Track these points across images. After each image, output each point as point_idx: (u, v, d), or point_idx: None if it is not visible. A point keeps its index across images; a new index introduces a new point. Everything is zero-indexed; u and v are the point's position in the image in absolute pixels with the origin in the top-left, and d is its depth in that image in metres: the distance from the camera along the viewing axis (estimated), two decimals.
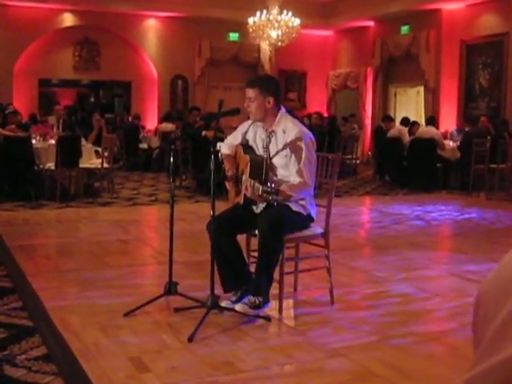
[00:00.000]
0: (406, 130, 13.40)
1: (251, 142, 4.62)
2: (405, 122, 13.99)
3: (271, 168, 4.41)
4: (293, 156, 4.32)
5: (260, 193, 4.02)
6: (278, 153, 4.40)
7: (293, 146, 4.32)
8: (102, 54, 17.90)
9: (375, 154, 14.62)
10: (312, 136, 4.51)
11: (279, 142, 4.40)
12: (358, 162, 15.80)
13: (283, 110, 4.54)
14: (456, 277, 5.71)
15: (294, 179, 4.28)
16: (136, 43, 18.12)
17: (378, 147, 14.20)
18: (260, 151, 4.53)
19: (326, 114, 18.02)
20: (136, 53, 18.22)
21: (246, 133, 4.66)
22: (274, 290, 4.45)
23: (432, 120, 13.30)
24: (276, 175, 4.41)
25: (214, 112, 4.63)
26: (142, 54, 18.29)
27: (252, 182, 4.12)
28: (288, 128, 4.40)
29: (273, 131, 4.45)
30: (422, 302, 4.92)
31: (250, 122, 4.68)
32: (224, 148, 4.72)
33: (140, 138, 15.76)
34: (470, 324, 3.82)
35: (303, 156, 4.31)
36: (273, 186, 4.06)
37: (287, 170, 4.35)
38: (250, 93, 4.43)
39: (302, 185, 4.29)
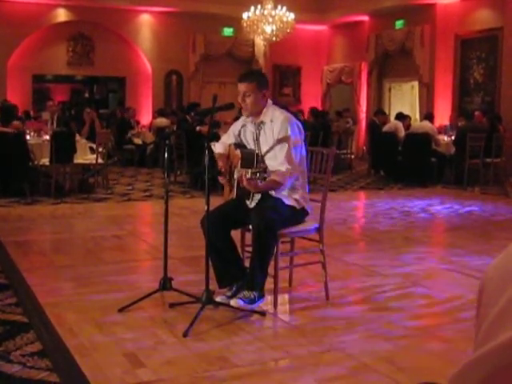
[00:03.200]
0: (401, 124, 13.41)
1: (242, 139, 4.64)
2: (400, 117, 13.99)
3: (262, 160, 4.41)
4: (279, 144, 4.33)
5: (250, 176, 4.02)
6: (267, 144, 4.41)
7: (279, 134, 4.33)
8: (96, 49, 17.84)
9: (370, 149, 14.63)
10: (298, 122, 4.53)
11: (268, 132, 4.42)
12: (352, 156, 15.80)
13: (270, 101, 4.56)
14: (451, 271, 5.73)
15: (282, 167, 4.29)
16: (130, 38, 18.08)
17: (373, 142, 14.21)
18: (251, 145, 4.54)
19: (320, 109, 17.99)
20: (130, 48, 18.18)
21: (238, 132, 4.68)
22: (268, 284, 4.45)
23: (429, 116, 13.30)
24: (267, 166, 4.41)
25: (208, 107, 4.63)
26: (136, 50, 18.24)
27: (244, 171, 4.12)
28: (275, 116, 4.43)
29: (262, 122, 4.47)
30: (417, 297, 4.93)
31: (241, 121, 4.70)
32: (217, 147, 4.74)
33: (133, 133, 15.65)
34: (465, 318, 3.84)
35: (290, 143, 4.32)
36: (261, 165, 4.11)
37: (277, 160, 4.35)
38: (246, 87, 4.42)
39: (290, 170, 4.30)
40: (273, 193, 4.39)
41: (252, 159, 4.33)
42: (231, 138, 4.73)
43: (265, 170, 4.10)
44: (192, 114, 12.69)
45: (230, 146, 4.65)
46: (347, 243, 7.06)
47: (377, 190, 11.97)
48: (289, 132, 4.34)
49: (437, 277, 5.64)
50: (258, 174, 4.02)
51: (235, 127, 4.75)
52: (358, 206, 10.64)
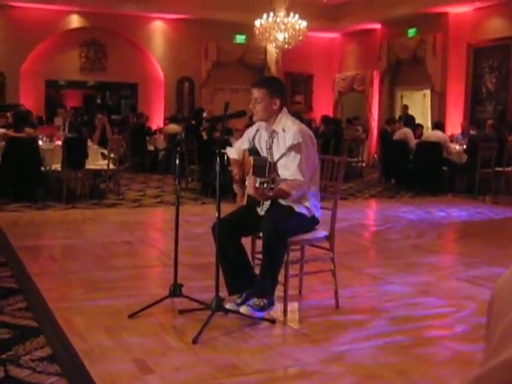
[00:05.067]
0: (411, 132, 13.38)
1: (256, 145, 4.64)
2: (408, 121, 13.91)
3: (274, 169, 4.41)
4: (291, 153, 4.32)
5: (258, 185, 4.02)
6: (280, 154, 4.40)
7: (291, 144, 4.32)
8: (108, 55, 17.93)
9: (381, 157, 14.60)
10: (311, 133, 4.53)
11: (280, 142, 4.42)
12: (363, 164, 15.78)
13: (285, 109, 4.55)
14: (461, 281, 5.70)
15: (293, 177, 4.29)
16: (143, 45, 18.15)
17: (384, 150, 14.17)
18: (264, 153, 4.54)
19: (332, 116, 17.98)
20: (142, 54, 18.25)
21: (253, 138, 4.68)
22: (278, 292, 4.45)
23: (439, 125, 13.25)
24: (279, 175, 4.41)
25: (220, 114, 4.64)
26: (148, 56, 18.31)
27: (253, 178, 4.13)
28: (287, 126, 4.42)
29: (274, 131, 4.47)
30: (426, 306, 4.91)
31: (255, 126, 4.70)
32: (232, 153, 4.75)
33: (147, 139, 15.70)
34: (474, 328, 3.82)
35: (302, 154, 4.31)
36: (270, 176, 4.11)
37: (289, 170, 4.35)
38: (257, 93, 4.43)
39: (300, 183, 4.29)
40: (283, 201, 4.39)
41: (263, 168, 4.31)
42: (245, 143, 4.73)
43: (273, 180, 4.10)
44: (203, 120, 12.73)
45: (244, 151, 4.65)
46: (358, 251, 7.05)
47: (387, 198, 11.94)
48: (301, 143, 4.32)
49: (448, 286, 5.62)
50: (265, 185, 4.02)
51: (250, 132, 4.76)
52: (369, 215, 10.62)
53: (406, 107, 17.20)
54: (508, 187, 12.34)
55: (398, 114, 17.64)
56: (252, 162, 4.39)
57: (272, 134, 4.49)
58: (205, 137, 11.82)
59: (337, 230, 4.86)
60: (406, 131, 13.43)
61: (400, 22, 16.84)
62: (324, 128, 15.08)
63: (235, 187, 4.65)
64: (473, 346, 3.93)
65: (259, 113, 4.46)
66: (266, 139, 4.55)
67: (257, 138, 4.66)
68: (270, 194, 4.13)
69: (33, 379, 3.29)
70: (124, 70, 17.94)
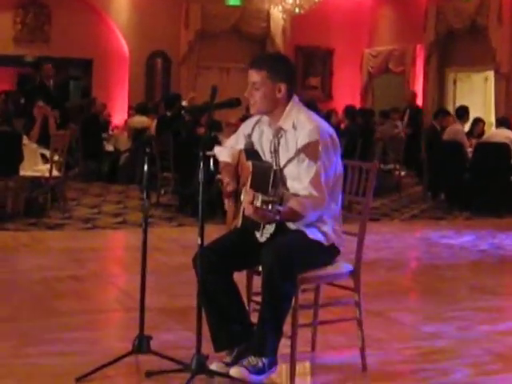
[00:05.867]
0: (463, 130, 13.37)
1: (256, 146, 4.62)
2: (461, 113, 13.90)
3: (281, 179, 4.40)
4: (305, 161, 4.31)
5: (259, 204, 3.97)
6: (289, 160, 4.38)
7: (305, 148, 4.31)
8: (53, 21, 17.98)
9: (427, 164, 14.61)
10: (333, 132, 4.48)
11: (290, 143, 4.39)
12: (402, 173, 15.79)
13: (296, 98, 4.53)
14: None
15: (306, 192, 4.27)
16: (100, 7, 18.22)
17: (431, 154, 14.16)
18: (267, 157, 4.52)
19: (359, 107, 18.01)
20: (100, 20, 18.31)
21: (250, 135, 4.66)
22: (283, 348, 4.44)
23: (506, 120, 13.23)
24: (287, 189, 4.40)
25: (205, 103, 4.64)
26: (108, 22, 18.37)
27: (253, 193, 4.07)
28: (300, 122, 4.38)
29: (281, 128, 4.44)
30: (487, 370, 4.89)
31: (255, 118, 4.68)
32: (223, 154, 4.71)
33: (104, 137, 15.73)
34: None
35: (319, 160, 4.30)
36: (277, 193, 4.06)
37: (301, 182, 4.33)
38: (255, 76, 4.43)
39: (316, 201, 4.28)
40: (292, 223, 4.38)
41: (267, 179, 4.26)
42: (241, 140, 4.70)
43: (281, 199, 4.05)
44: (181, 110, 12.75)
45: (240, 152, 4.62)
46: (393, 293, 7.04)
47: (435, 219, 11.95)
48: (319, 148, 4.31)
49: None
50: (270, 206, 3.95)
51: (246, 126, 4.73)
52: (410, 242, 10.61)
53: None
54: None
55: (449, 103, 17.67)
56: (251, 169, 4.35)
57: (278, 133, 4.47)
58: (184, 134, 11.84)
59: (364, 264, 4.86)
60: (457, 128, 13.39)
61: None
62: (349, 123, 15.10)
63: (227, 203, 4.64)
64: None
65: (257, 103, 4.43)
66: (269, 139, 4.53)
67: (256, 134, 4.63)
68: (277, 217, 4.08)
69: None
70: (74, 42, 17.98)
